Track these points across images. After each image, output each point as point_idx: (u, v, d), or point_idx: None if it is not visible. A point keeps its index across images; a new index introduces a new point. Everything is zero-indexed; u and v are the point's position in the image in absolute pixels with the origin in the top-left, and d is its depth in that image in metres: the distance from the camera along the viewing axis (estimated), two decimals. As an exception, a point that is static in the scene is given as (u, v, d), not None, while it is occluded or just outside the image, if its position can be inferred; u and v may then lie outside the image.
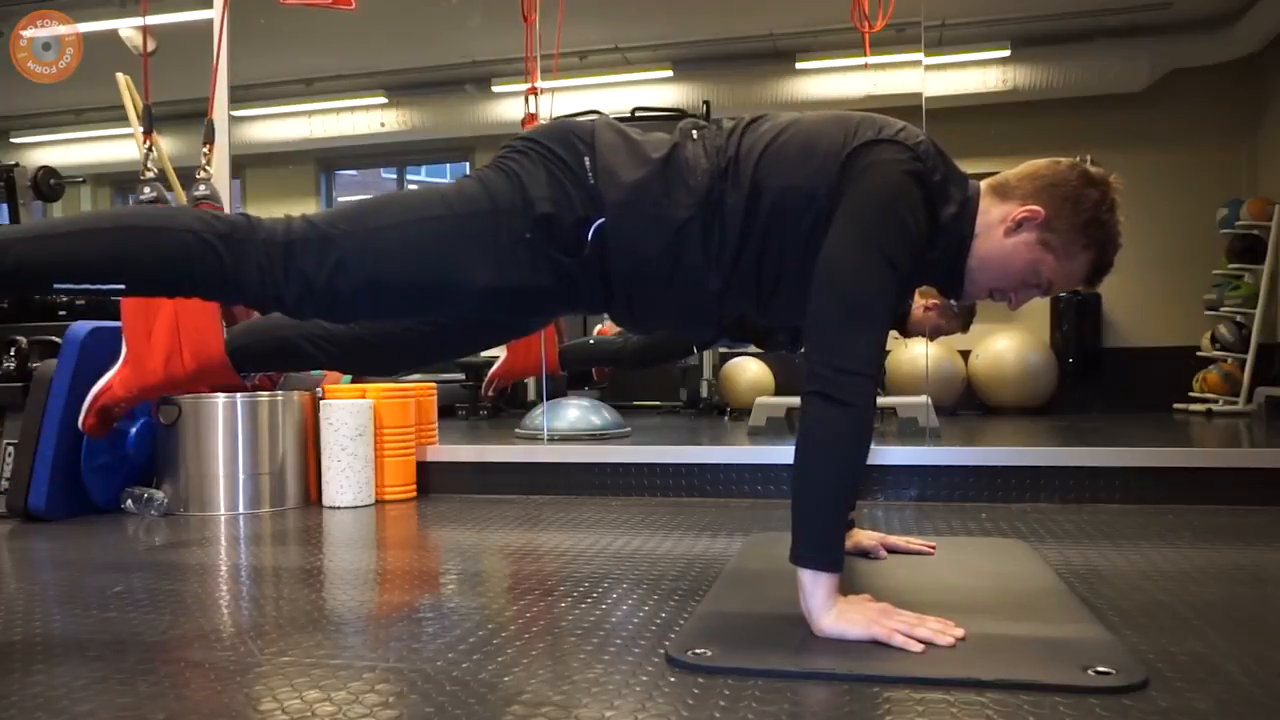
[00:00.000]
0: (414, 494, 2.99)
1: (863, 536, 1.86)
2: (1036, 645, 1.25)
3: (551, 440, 3.57)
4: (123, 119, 3.09)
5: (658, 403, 6.20)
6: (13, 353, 3.18)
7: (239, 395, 2.75)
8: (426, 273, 1.40)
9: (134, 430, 2.81)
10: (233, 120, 3.29)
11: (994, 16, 5.73)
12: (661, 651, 1.27)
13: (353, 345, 1.77)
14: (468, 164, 7.55)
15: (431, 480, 3.05)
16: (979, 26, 5.77)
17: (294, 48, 5.83)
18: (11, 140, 7.66)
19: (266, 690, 1.15)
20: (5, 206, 4.74)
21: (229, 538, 2.33)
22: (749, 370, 5.72)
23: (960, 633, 1.27)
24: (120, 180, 7.98)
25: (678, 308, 1.50)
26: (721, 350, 5.74)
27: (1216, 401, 5.42)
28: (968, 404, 5.88)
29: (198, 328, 2.37)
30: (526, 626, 1.43)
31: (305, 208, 7.69)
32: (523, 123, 3.43)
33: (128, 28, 3.55)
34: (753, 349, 5.47)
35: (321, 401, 2.87)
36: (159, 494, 2.71)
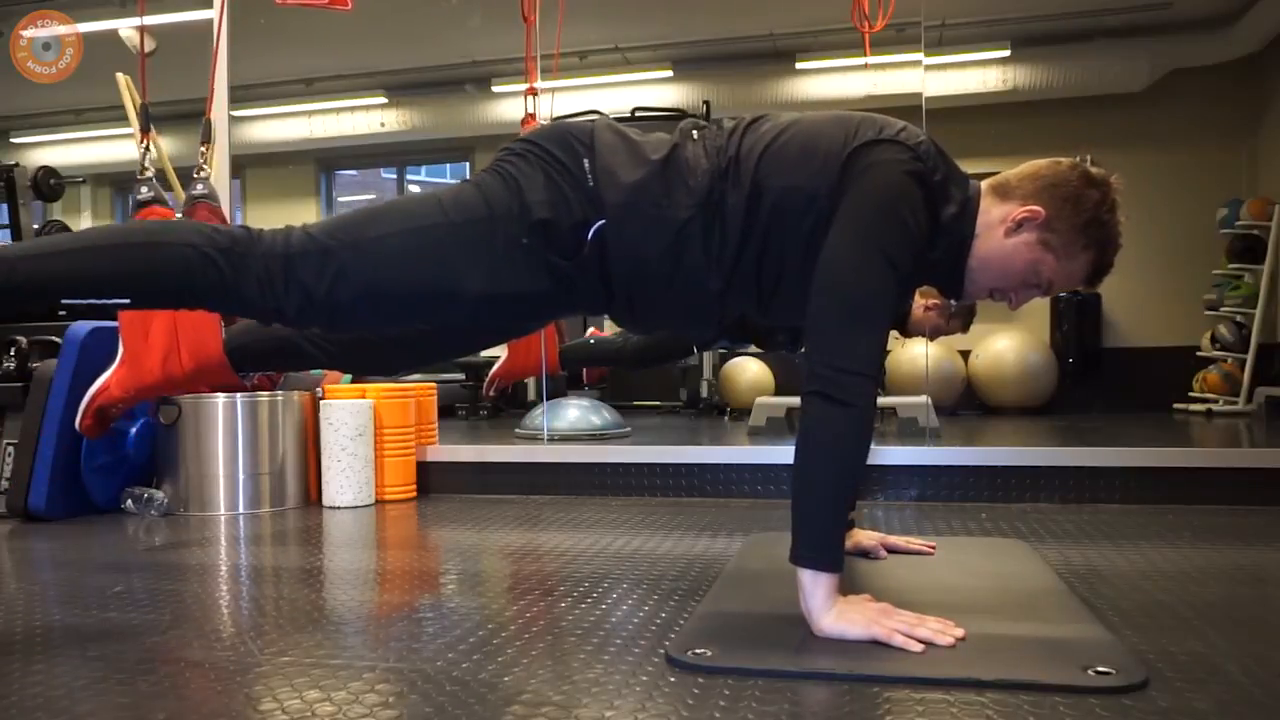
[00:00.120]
0: (414, 494, 2.99)
1: (863, 536, 1.86)
2: (1036, 645, 1.25)
3: (551, 440, 3.57)
4: (123, 119, 3.09)
5: (658, 403, 6.20)
6: (13, 353, 3.18)
7: (239, 395, 2.75)
8: (423, 281, 1.41)
9: (134, 430, 2.81)
10: (232, 120, 3.29)
11: (994, 16, 5.73)
12: (661, 651, 1.27)
13: (352, 345, 1.77)
14: (468, 164, 7.56)
15: (431, 480, 3.05)
16: (979, 26, 5.77)
17: (294, 48, 5.83)
18: (11, 140, 7.66)
19: (266, 690, 1.15)
20: (5, 206, 4.75)
21: (229, 538, 2.33)
22: (749, 370, 5.72)
23: (960, 633, 1.27)
24: (120, 180, 7.99)
25: (678, 308, 1.50)
26: (721, 350, 5.74)
27: (1216, 401, 5.42)
28: (968, 404, 5.89)
29: (196, 327, 2.37)
30: (526, 626, 1.43)
31: (305, 208, 7.75)
32: (522, 123, 3.43)
33: (127, 28, 3.55)
34: (753, 349, 5.47)
35: (321, 401, 2.87)
36: (159, 494, 2.71)
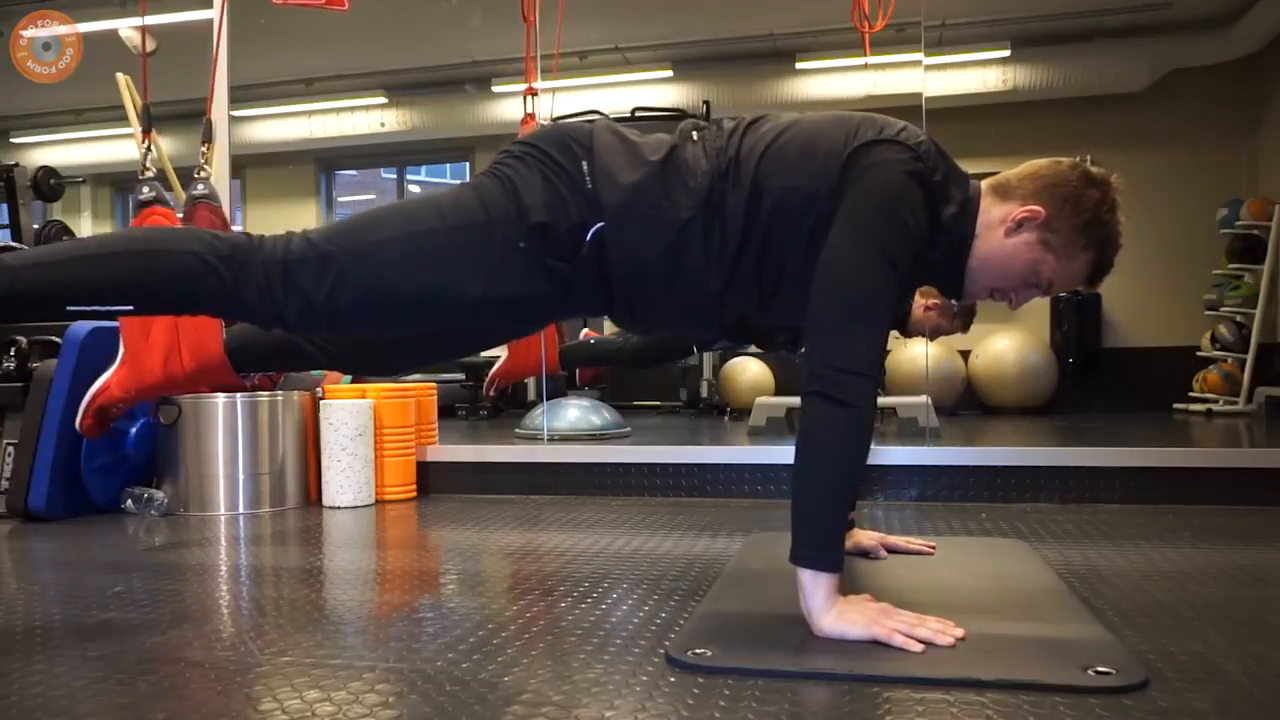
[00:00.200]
0: (414, 494, 2.99)
1: (863, 536, 1.86)
2: (1036, 645, 1.25)
3: (551, 440, 3.57)
4: (123, 119, 3.09)
5: (658, 403, 6.20)
6: (13, 353, 3.18)
7: (239, 395, 2.75)
8: (422, 285, 1.41)
9: (134, 430, 2.81)
10: (233, 120, 3.29)
11: (994, 16, 5.73)
12: (661, 651, 1.27)
13: (353, 345, 1.77)
14: (468, 164, 7.56)
15: (431, 480, 3.05)
16: (979, 26, 5.77)
17: (294, 48, 5.83)
18: (11, 140, 7.66)
19: (266, 690, 1.15)
20: (5, 206, 4.75)
21: (229, 538, 2.33)
22: (749, 370, 5.72)
23: (960, 633, 1.27)
24: (120, 180, 7.99)
25: (678, 309, 1.50)
26: (721, 350, 5.74)
27: (1216, 401, 5.42)
28: (968, 404, 5.89)
29: (197, 328, 2.37)
30: (526, 626, 1.43)
31: (305, 208, 7.74)
32: (522, 122, 3.43)
33: (128, 28, 3.55)
34: (753, 349, 5.47)
35: (321, 401, 2.87)
36: (159, 494, 2.71)
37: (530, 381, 5.95)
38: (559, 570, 1.85)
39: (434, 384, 3.28)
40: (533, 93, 3.43)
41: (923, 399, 3.83)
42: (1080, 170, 1.42)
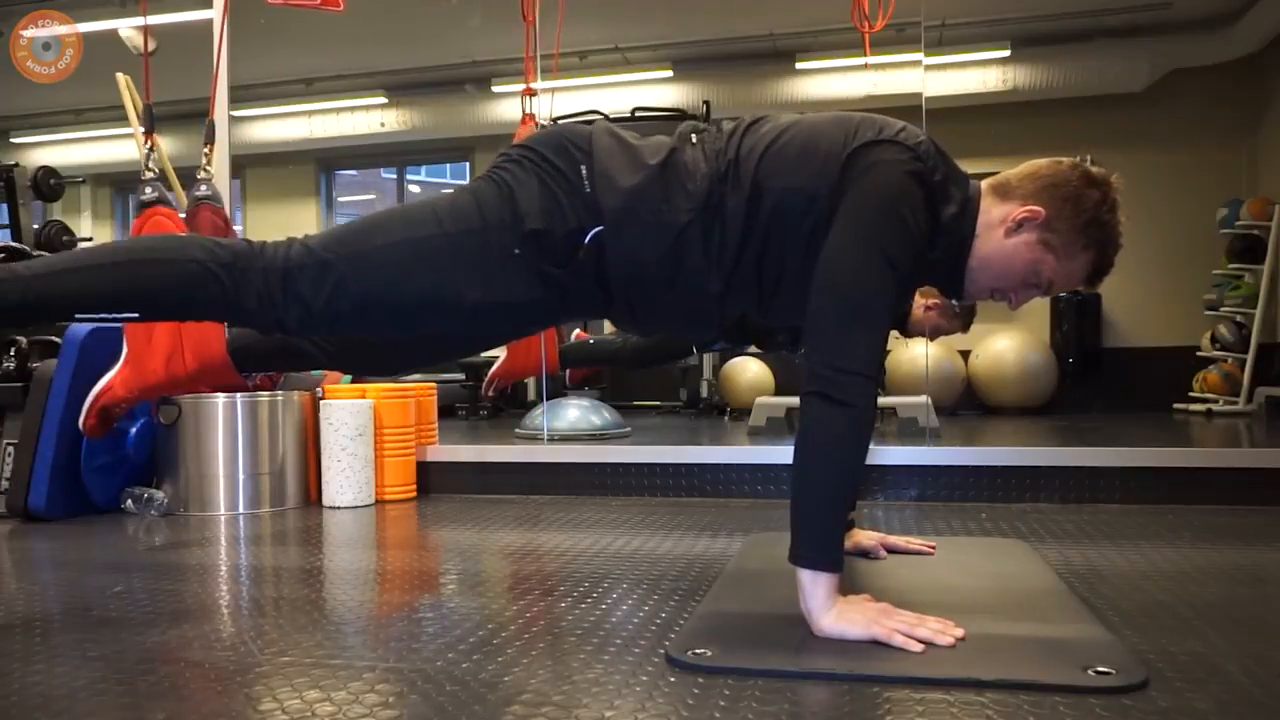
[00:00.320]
0: (414, 494, 2.99)
1: (863, 536, 1.86)
2: (1036, 645, 1.25)
3: (551, 440, 3.57)
4: (123, 119, 3.09)
5: (658, 403, 6.20)
6: (13, 353, 3.19)
7: (239, 395, 2.76)
8: (419, 291, 1.42)
9: (134, 430, 2.81)
10: (233, 120, 3.29)
11: (994, 16, 5.73)
12: (661, 651, 1.28)
13: (353, 346, 1.78)
14: (468, 164, 7.56)
15: (431, 480, 3.05)
16: (979, 26, 5.77)
17: (294, 48, 5.84)
18: (11, 140, 7.66)
19: (266, 690, 1.15)
20: (5, 206, 4.75)
21: (229, 538, 2.33)
22: (749, 370, 5.72)
23: (960, 633, 1.27)
24: (120, 180, 7.99)
25: (679, 310, 1.50)
26: (720, 350, 5.74)
27: (1216, 401, 5.42)
28: (968, 404, 5.89)
29: (199, 328, 2.37)
30: (526, 626, 1.43)
31: (305, 208, 7.75)
32: (521, 123, 3.43)
33: (128, 28, 3.55)
34: (753, 349, 5.47)
35: (321, 401, 2.87)
36: (159, 494, 2.71)
37: (530, 381, 5.96)
38: (559, 570, 1.85)
39: (434, 384, 3.28)
40: (531, 93, 3.43)
41: (923, 399, 3.83)
42: (1080, 170, 1.42)
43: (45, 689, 1.16)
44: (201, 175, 2.85)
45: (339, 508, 2.77)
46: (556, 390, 4.52)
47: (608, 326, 4.48)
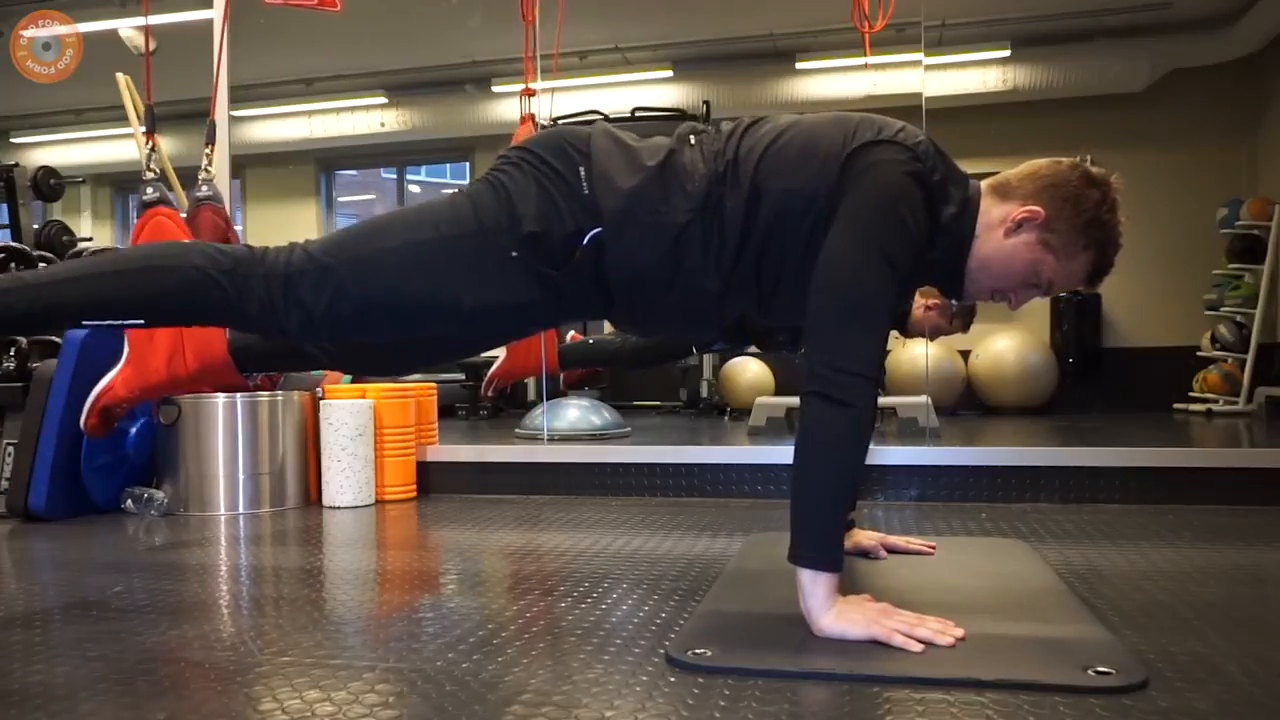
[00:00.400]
0: (414, 494, 2.99)
1: (862, 536, 1.86)
2: (1036, 645, 1.25)
3: (551, 440, 3.57)
4: (123, 119, 3.09)
5: (658, 403, 6.20)
6: (13, 353, 3.19)
7: (239, 395, 2.76)
8: (418, 295, 1.43)
9: (134, 430, 2.81)
10: (233, 120, 3.29)
11: (994, 16, 5.72)
12: (661, 651, 1.28)
13: (353, 346, 1.78)
14: (468, 164, 7.56)
15: (431, 480, 3.05)
16: (979, 26, 5.77)
17: (294, 48, 5.83)
18: (11, 140, 7.66)
19: (266, 690, 1.15)
20: (5, 206, 4.75)
21: (229, 538, 2.33)
22: (749, 370, 5.72)
23: (960, 633, 1.27)
24: (120, 180, 7.99)
25: (679, 311, 1.50)
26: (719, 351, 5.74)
27: (1216, 401, 5.41)
28: (968, 404, 5.88)
29: (200, 328, 2.37)
30: (526, 626, 1.43)
31: (305, 208, 7.74)
32: (520, 123, 3.43)
33: (128, 28, 3.56)
34: (752, 349, 5.47)
35: (321, 401, 2.87)
36: (159, 494, 2.71)
37: (530, 381, 5.95)
38: (559, 570, 1.85)
39: (434, 384, 3.28)
40: (530, 93, 3.43)
41: (923, 399, 3.83)
42: (1080, 170, 1.42)
43: (45, 688, 1.16)
44: (202, 175, 2.85)
45: (339, 508, 2.77)
46: (556, 390, 4.52)
47: (607, 326, 4.48)
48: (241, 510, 2.73)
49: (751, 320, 1.76)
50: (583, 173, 1.42)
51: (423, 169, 8.24)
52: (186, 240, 2.60)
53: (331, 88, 6.89)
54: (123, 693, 1.14)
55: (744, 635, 1.32)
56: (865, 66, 5.71)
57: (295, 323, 1.43)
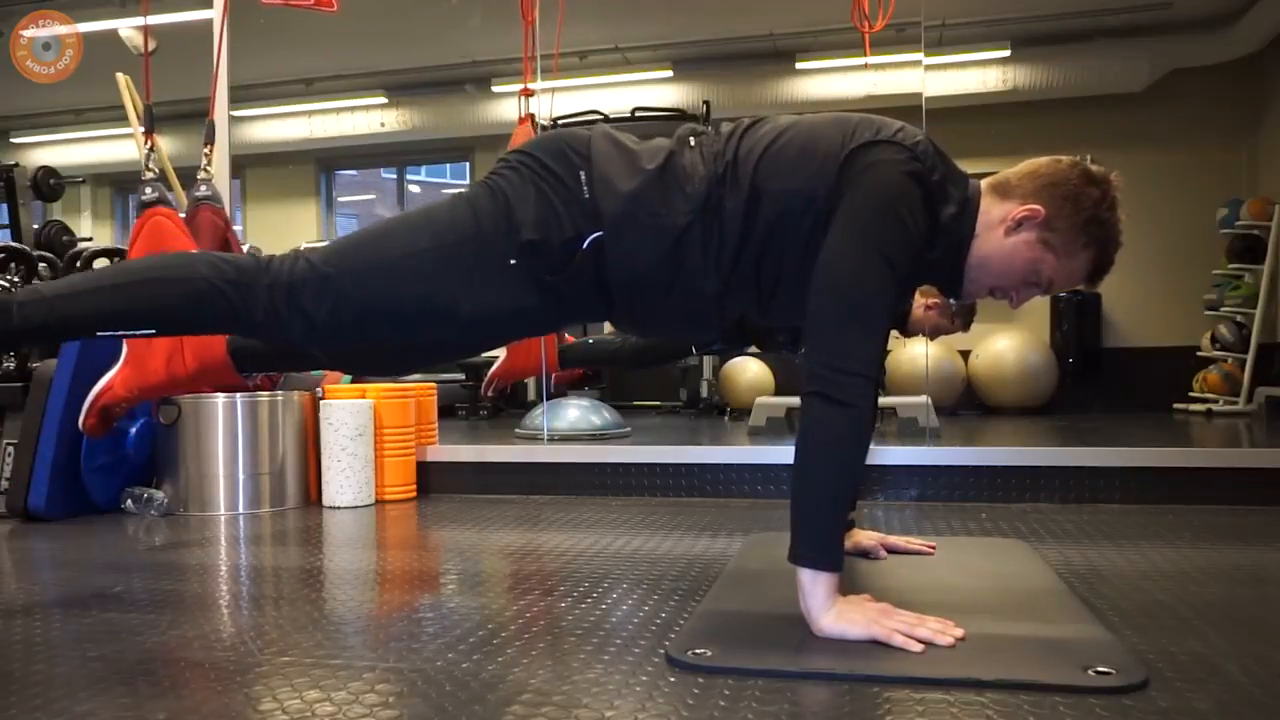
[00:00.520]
0: (414, 494, 2.99)
1: (862, 536, 1.86)
2: (1036, 645, 1.25)
3: (551, 440, 3.57)
4: (123, 119, 3.09)
5: (658, 403, 6.20)
6: (13, 353, 3.18)
7: (239, 395, 2.76)
8: (417, 302, 1.44)
9: (134, 430, 2.81)
10: (233, 120, 3.29)
11: (994, 16, 5.73)
12: (661, 651, 1.28)
13: (355, 348, 1.78)
14: (468, 164, 7.56)
15: (431, 480, 3.05)
16: (979, 26, 5.77)
17: (294, 48, 5.84)
18: (11, 140, 7.66)
19: (266, 690, 1.15)
20: (5, 206, 4.76)
21: (229, 538, 2.33)
22: (749, 370, 5.73)
23: (960, 633, 1.27)
24: (120, 180, 7.99)
25: (679, 312, 1.50)
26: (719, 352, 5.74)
27: (1216, 401, 5.42)
28: (968, 404, 5.88)
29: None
30: (527, 626, 1.43)
31: (305, 208, 7.74)
32: (519, 123, 3.43)
33: (128, 28, 3.55)
34: (752, 349, 5.47)
35: (321, 401, 2.87)
36: (159, 494, 2.71)
37: (530, 381, 5.95)
38: (559, 570, 1.85)
39: (434, 384, 3.28)
40: (529, 93, 3.42)
41: (923, 399, 3.83)
42: (1080, 169, 1.42)
43: (45, 689, 1.16)
44: (201, 175, 2.85)
45: (339, 508, 2.77)
46: (557, 390, 4.52)
47: (607, 327, 4.47)
48: (241, 510, 2.73)
49: (751, 321, 1.76)
50: (583, 176, 1.42)
51: (423, 169, 8.24)
52: (193, 250, 2.61)
53: (331, 88, 6.89)
54: (123, 693, 1.14)
55: (744, 635, 1.32)
56: (865, 66, 5.71)
57: (299, 330, 1.46)
